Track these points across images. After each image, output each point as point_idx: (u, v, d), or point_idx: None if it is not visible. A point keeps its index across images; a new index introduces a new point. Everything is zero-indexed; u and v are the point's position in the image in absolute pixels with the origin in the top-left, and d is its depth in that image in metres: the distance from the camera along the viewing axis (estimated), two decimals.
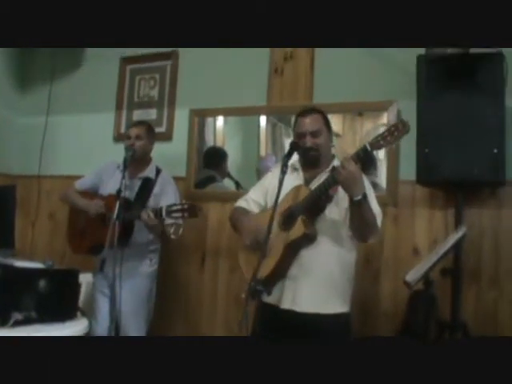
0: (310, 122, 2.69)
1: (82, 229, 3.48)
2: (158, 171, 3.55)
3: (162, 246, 3.63)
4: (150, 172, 3.53)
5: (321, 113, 2.78)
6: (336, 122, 3.83)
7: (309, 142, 2.66)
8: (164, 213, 3.02)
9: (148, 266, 3.51)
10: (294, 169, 2.80)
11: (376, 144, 2.33)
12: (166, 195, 3.39)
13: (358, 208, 2.38)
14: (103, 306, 3.32)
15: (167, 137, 4.22)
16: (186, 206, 3.02)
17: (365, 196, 2.38)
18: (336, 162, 2.72)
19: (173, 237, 3.18)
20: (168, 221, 3.11)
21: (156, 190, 3.45)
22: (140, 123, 3.61)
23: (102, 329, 3.19)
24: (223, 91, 4.06)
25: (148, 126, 3.58)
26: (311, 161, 2.70)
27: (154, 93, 4.37)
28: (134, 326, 3.39)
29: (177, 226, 3.16)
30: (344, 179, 2.32)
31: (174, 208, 3.02)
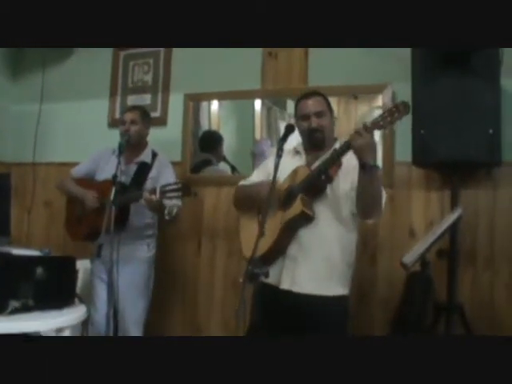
0: (313, 104, 2.70)
1: (79, 215, 3.48)
2: (155, 155, 3.55)
3: (159, 231, 3.63)
4: (145, 156, 3.53)
5: (322, 95, 2.78)
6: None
7: (314, 122, 2.66)
8: (158, 192, 3.02)
9: (146, 252, 3.51)
10: (296, 152, 2.81)
11: (376, 124, 2.33)
12: (163, 178, 3.38)
13: (370, 176, 2.36)
14: (101, 292, 3.32)
15: (162, 122, 4.20)
16: (179, 185, 3.02)
17: (376, 164, 2.37)
18: (338, 145, 2.71)
19: (167, 217, 3.22)
20: (165, 202, 3.13)
21: (153, 173, 3.45)
22: (134, 108, 3.60)
23: (101, 315, 3.18)
24: (217, 75, 4.05)
25: (143, 111, 3.57)
26: (316, 142, 2.70)
27: (148, 78, 4.35)
28: (132, 313, 3.41)
29: (170, 207, 3.20)
30: (360, 145, 2.30)
31: (168, 188, 3.02)
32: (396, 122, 2.34)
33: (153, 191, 3.04)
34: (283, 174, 2.53)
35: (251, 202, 2.74)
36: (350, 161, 2.49)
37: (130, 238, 3.34)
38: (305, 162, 2.73)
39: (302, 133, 2.74)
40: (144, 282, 3.49)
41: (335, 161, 2.51)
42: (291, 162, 2.72)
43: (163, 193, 3.02)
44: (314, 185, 2.58)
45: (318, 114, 2.68)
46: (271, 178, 2.75)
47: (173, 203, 3.24)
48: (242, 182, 2.95)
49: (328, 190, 2.61)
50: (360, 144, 2.30)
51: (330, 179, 2.58)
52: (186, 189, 3.02)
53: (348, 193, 2.59)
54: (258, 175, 2.91)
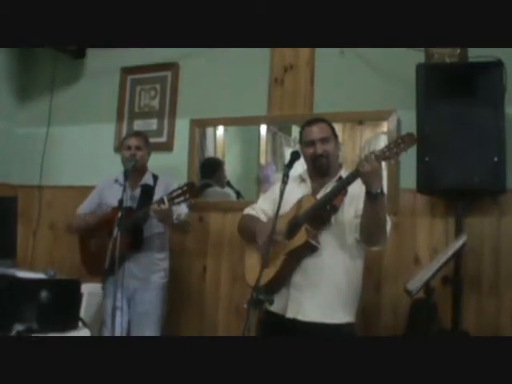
0: (318, 130, 2.72)
1: (96, 251, 3.46)
2: (156, 178, 3.59)
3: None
4: (147, 179, 3.56)
5: (327, 122, 2.81)
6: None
7: (319, 149, 2.68)
8: (166, 200, 3.04)
9: (163, 278, 3.54)
10: (302, 179, 2.82)
11: (383, 155, 2.33)
12: None
13: (375, 204, 2.37)
14: (118, 318, 3.30)
15: (168, 147, 4.23)
16: (185, 188, 3.05)
17: (382, 192, 2.38)
18: (343, 172, 2.73)
19: (176, 221, 3.26)
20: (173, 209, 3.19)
21: (158, 194, 3.43)
22: (138, 134, 3.63)
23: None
24: (224, 101, 4.08)
25: (145, 136, 3.61)
26: (321, 169, 2.71)
27: (155, 103, 4.38)
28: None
29: (178, 214, 3.26)
30: (368, 172, 2.30)
31: (174, 194, 3.05)
32: (402, 153, 2.35)
33: (161, 201, 3.06)
34: (289, 201, 2.54)
35: (253, 235, 2.73)
36: (354, 188, 2.50)
37: (147, 262, 3.39)
38: (310, 190, 2.74)
39: (307, 159, 2.75)
40: (159, 309, 3.50)
41: (342, 190, 2.52)
42: (297, 189, 2.73)
43: (171, 199, 3.04)
44: (319, 215, 2.59)
45: (323, 140, 2.70)
46: (277, 206, 2.79)
47: (180, 210, 3.30)
48: (248, 211, 2.95)
49: (332, 218, 2.62)
50: (368, 171, 2.31)
51: (335, 209, 2.60)
52: (191, 189, 3.06)
53: (352, 220, 2.60)
54: (265, 201, 2.92)
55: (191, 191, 3.05)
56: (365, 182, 2.35)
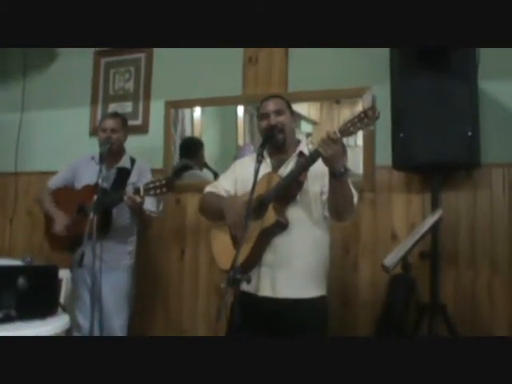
0: (272, 103, 2.74)
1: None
2: (133, 161, 3.57)
3: (140, 237, 3.64)
4: (125, 162, 3.54)
5: (282, 97, 2.83)
6: (314, 109, 3.86)
7: (273, 120, 2.69)
8: (142, 191, 3.02)
9: (128, 259, 3.52)
10: (261, 157, 2.80)
11: (346, 130, 2.33)
12: (145, 180, 3.37)
13: (340, 182, 2.39)
14: (88, 300, 3.30)
15: (143, 129, 4.21)
16: (163, 182, 3.02)
17: (346, 169, 2.39)
18: (303, 147, 2.73)
19: (154, 215, 3.28)
20: (147, 203, 3.22)
21: (132, 178, 3.45)
22: (115, 115, 3.58)
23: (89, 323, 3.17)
24: (199, 82, 4.05)
25: (123, 118, 3.58)
26: (277, 142, 2.70)
27: (129, 86, 4.35)
28: (118, 320, 3.40)
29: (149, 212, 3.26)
30: (329, 155, 2.30)
31: (152, 185, 3.03)
32: (366, 127, 2.34)
33: (136, 190, 3.05)
34: (248, 179, 2.53)
35: (218, 215, 2.73)
36: (317, 164, 2.49)
37: (112, 245, 3.35)
38: (270, 166, 2.74)
39: (262, 132, 2.75)
40: (128, 290, 3.49)
41: (305, 170, 2.52)
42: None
43: (147, 190, 3.03)
44: (285, 192, 2.59)
45: (277, 112, 2.71)
46: (238, 184, 2.80)
47: (149, 209, 3.33)
48: (209, 189, 2.93)
49: (298, 195, 2.63)
50: (329, 154, 2.31)
51: (300, 185, 2.60)
52: (169, 184, 3.03)
53: (318, 196, 2.62)
54: (226, 180, 2.91)
55: (169, 186, 3.03)
56: (327, 164, 2.36)
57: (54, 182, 3.64)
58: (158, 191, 3.02)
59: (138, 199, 3.05)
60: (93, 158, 3.47)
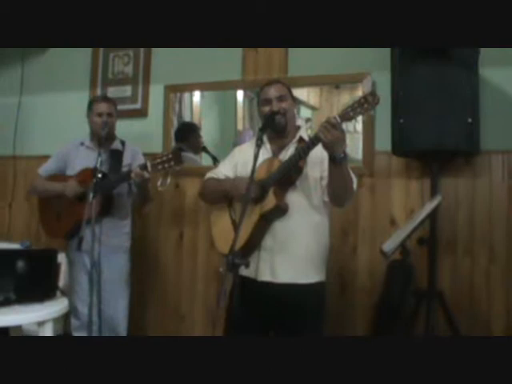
0: (274, 89, 2.72)
1: (57, 212, 3.44)
2: (123, 143, 3.57)
3: (136, 221, 3.64)
4: (116, 145, 3.54)
5: (283, 83, 2.82)
6: (313, 95, 3.85)
7: (275, 106, 2.68)
8: (150, 167, 3.01)
9: (127, 241, 3.55)
10: (260, 142, 2.80)
11: (346, 115, 2.33)
12: (139, 161, 3.37)
13: (340, 168, 2.40)
14: (86, 283, 3.31)
15: (142, 113, 4.20)
16: (170, 156, 3.01)
17: (345, 154, 2.39)
18: (302, 133, 2.73)
19: (160, 189, 3.19)
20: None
21: (126, 160, 3.46)
22: (107, 100, 3.56)
23: (87, 307, 3.18)
24: (198, 66, 4.03)
25: (114, 102, 3.57)
26: (278, 127, 2.69)
27: (129, 69, 4.32)
28: (121, 301, 3.45)
29: (164, 177, 3.16)
30: (329, 140, 2.30)
31: (159, 160, 3.01)
32: (366, 113, 2.34)
33: (143, 167, 3.04)
34: (248, 164, 2.52)
35: (222, 197, 2.75)
36: (316, 149, 2.48)
37: (111, 226, 3.37)
38: (270, 152, 2.74)
39: (263, 118, 2.73)
40: (128, 270, 3.53)
41: (306, 155, 2.52)
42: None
43: (155, 166, 3.01)
44: (285, 178, 2.59)
45: (279, 98, 2.70)
46: (237, 169, 2.79)
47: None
48: (210, 175, 2.93)
49: (297, 180, 2.63)
50: (329, 140, 2.31)
51: (300, 171, 2.60)
52: (177, 158, 3.01)
53: (318, 182, 2.62)
54: (225, 166, 2.90)
55: (176, 159, 3.01)
56: (327, 149, 2.36)
57: (45, 170, 3.60)
58: (166, 165, 3.00)
59: (146, 175, 3.04)
60: (82, 144, 3.49)
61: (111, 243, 3.36)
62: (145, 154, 3.55)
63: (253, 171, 2.37)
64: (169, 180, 3.28)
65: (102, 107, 3.45)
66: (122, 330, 3.43)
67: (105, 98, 3.60)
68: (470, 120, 2.96)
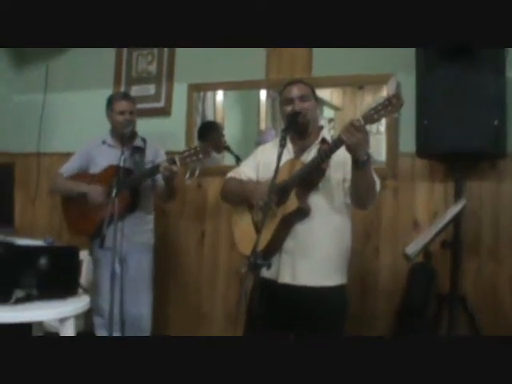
0: (297, 89, 2.69)
1: (83, 210, 3.43)
2: (144, 140, 3.58)
3: (157, 219, 3.66)
4: (138, 142, 3.55)
5: (306, 82, 2.79)
6: (336, 95, 3.83)
7: (297, 106, 2.65)
8: (178, 161, 3.02)
9: (151, 238, 3.58)
10: (283, 143, 2.78)
11: (369, 118, 2.30)
12: (161, 158, 3.41)
13: (363, 170, 2.37)
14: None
15: (166, 112, 4.21)
16: (198, 148, 3.03)
17: (369, 157, 2.36)
18: (325, 133, 2.71)
19: (188, 182, 3.24)
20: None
21: (148, 157, 3.47)
22: (128, 98, 3.57)
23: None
24: (222, 65, 4.04)
25: (134, 100, 3.57)
26: (300, 128, 2.66)
27: (152, 68, 4.34)
28: (145, 296, 3.48)
29: (192, 169, 3.18)
30: (353, 143, 2.27)
31: (187, 153, 3.03)
32: (390, 115, 2.31)
33: (171, 161, 3.04)
34: (271, 166, 2.51)
35: (243, 198, 2.73)
36: (339, 151, 2.46)
37: (136, 223, 3.38)
38: (292, 153, 2.71)
39: (285, 117, 2.71)
40: (152, 267, 3.55)
41: (328, 157, 2.49)
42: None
43: (183, 159, 3.02)
44: (308, 180, 2.57)
45: (302, 98, 2.67)
46: (260, 170, 2.78)
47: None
48: (232, 175, 2.91)
49: (320, 182, 2.61)
50: (353, 142, 2.28)
51: (322, 173, 2.58)
52: (205, 150, 3.03)
53: (340, 184, 2.60)
54: (247, 166, 2.88)
55: (204, 152, 3.02)
56: (350, 152, 2.33)
57: (67, 170, 3.60)
58: (195, 158, 3.02)
59: (175, 169, 3.04)
60: (104, 142, 3.51)
61: (136, 240, 3.39)
62: (167, 153, 3.54)
63: (276, 172, 2.35)
64: (197, 172, 3.27)
65: (124, 105, 3.46)
66: (146, 326, 3.46)
67: (125, 96, 3.61)
68: (496, 122, 2.92)
